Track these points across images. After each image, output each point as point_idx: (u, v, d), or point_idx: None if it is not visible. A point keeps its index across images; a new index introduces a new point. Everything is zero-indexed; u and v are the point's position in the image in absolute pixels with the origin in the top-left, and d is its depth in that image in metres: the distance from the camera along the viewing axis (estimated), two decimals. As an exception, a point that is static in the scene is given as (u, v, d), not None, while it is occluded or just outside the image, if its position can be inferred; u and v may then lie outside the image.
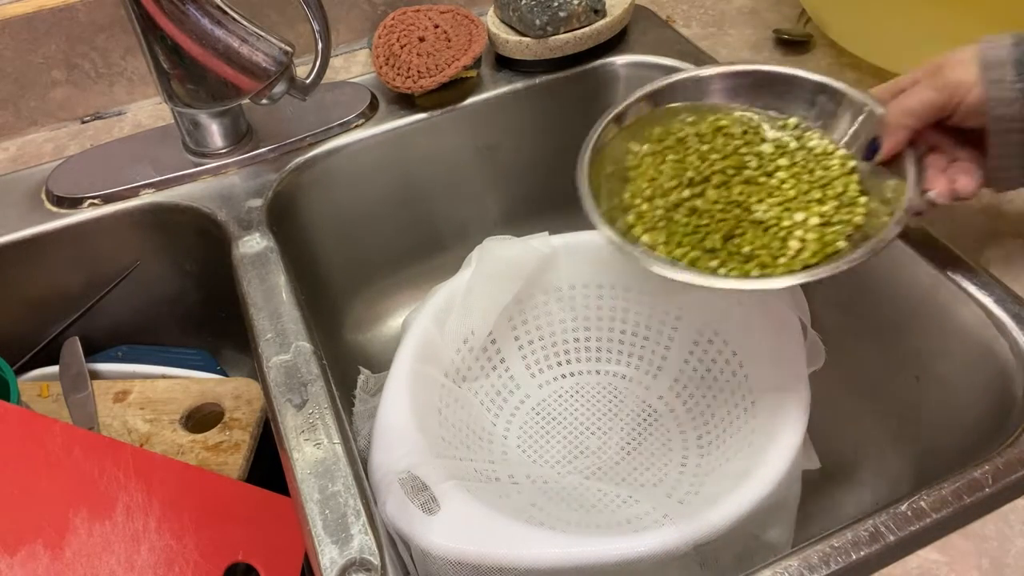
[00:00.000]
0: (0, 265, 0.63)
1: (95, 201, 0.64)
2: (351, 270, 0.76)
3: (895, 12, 0.62)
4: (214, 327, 0.74)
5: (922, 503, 0.40)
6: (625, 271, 0.63)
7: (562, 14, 0.69)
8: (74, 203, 0.64)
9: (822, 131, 0.52)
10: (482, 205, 0.78)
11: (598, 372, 0.66)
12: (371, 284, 0.78)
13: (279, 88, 0.62)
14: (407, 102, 0.70)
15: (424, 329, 0.57)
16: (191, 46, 0.57)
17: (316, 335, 0.53)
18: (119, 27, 0.70)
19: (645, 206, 0.52)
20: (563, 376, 0.66)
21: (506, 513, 0.45)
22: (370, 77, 0.73)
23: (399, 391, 0.53)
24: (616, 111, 0.55)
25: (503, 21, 0.72)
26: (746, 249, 0.47)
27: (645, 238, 0.50)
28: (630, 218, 0.51)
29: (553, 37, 0.70)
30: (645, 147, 0.55)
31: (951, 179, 0.46)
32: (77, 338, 0.66)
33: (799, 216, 0.48)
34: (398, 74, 0.68)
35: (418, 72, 0.67)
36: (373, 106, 0.70)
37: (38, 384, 0.64)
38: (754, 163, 0.51)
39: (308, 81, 0.64)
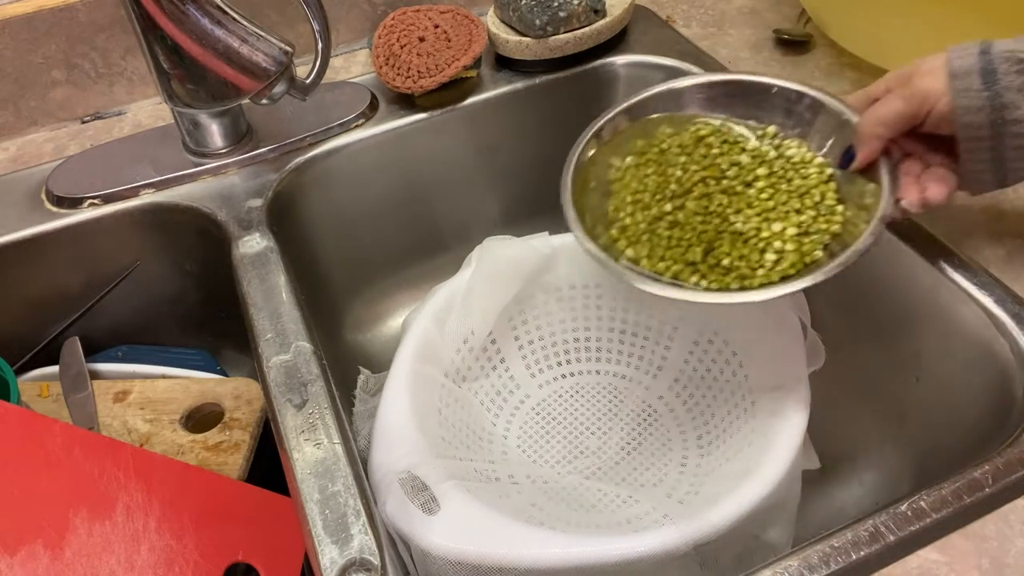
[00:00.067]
0: (0, 265, 0.63)
1: (95, 201, 0.64)
2: (351, 270, 0.76)
3: (895, 12, 0.62)
4: (214, 327, 0.74)
5: (922, 503, 0.40)
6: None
7: (562, 14, 0.69)
8: (74, 203, 0.64)
9: (800, 139, 0.53)
10: (482, 205, 0.78)
11: (598, 372, 0.66)
12: (371, 284, 0.78)
13: (279, 88, 0.62)
14: (407, 102, 0.70)
15: (424, 329, 0.57)
16: (191, 46, 0.57)
17: (316, 335, 0.53)
18: (119, 27, 0.70)
19: (628, 220, 0.52)
20: (563, 376, 0.66)
21: (506, 513, 0.45)
22: (370, 77, 0.73)
23: (399, 391, 0.53)
24: (596, 127, 0.55)
25: (503, 21, 0.72)
26: (725, 261, 0.48)
27: (629, 252, 0.50)
28: (614, 232, 0.52)
29: (553, 37, 0.70)
30: (628, 160, 0.55)
31: (922, 187, 0.47)
32: (77, 338, 0.66)
33: (777, 226, 0.48)
34: (398, 74, 0.68)
35: (418, 72, 0.67)
36: (373, 106, 0.70)
37: (38, 384, 0.64)
38: (733, 173, 0.52)
39: (308, 81, 0.64)
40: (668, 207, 0.51)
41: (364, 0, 0.77)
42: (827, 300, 0.57)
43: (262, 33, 0.60)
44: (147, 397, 0.62)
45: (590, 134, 0.55)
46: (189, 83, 0.59)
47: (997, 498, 0.41)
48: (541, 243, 0.62)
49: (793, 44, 0.74)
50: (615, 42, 0.74)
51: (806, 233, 0.48)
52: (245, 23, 0.59)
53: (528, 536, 0.43)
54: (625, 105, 0.56)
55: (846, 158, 0.49)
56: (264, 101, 0.62)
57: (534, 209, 0.73)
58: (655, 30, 0.76)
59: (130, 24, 0.57)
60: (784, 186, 0.50)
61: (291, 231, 0.64)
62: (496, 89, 0.71)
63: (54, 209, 0.64)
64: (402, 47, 0.68)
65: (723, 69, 0.70)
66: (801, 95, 0.53)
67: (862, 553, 0.39)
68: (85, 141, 0.71)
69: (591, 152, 0.55)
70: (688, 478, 0.57)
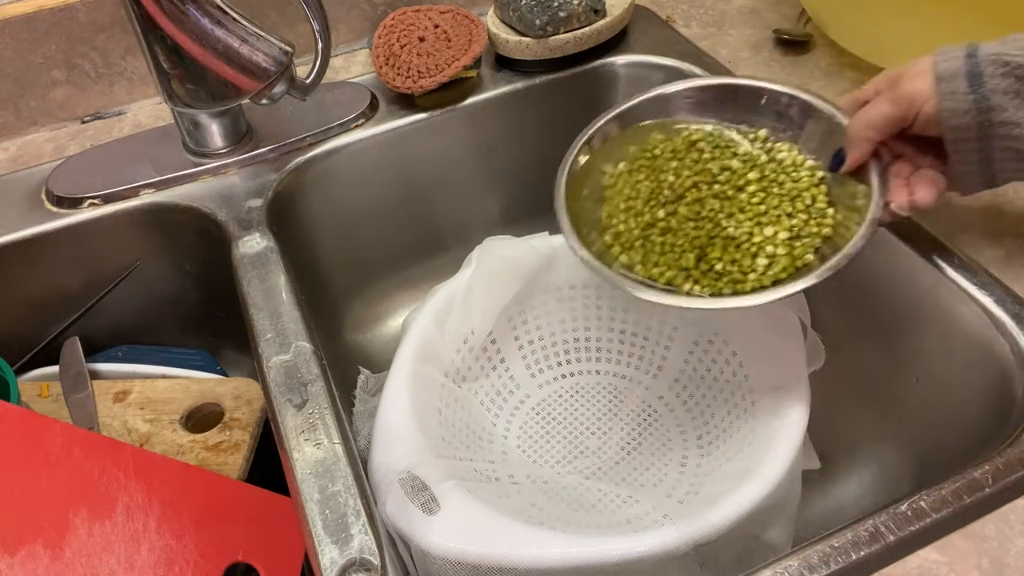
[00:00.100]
0: (0, 265, 0.63)
1: (95, 201, 0.64)
2: (351, 270, 0.76)
3: (895, 12, 0.62)
4: (214, 327, 0.74)
5: (922, 503, 0.40)
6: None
7: (562, 14, 0.69)
8: (74, 203, 0.64)
9: (791, 143, 0.53)
10: (482, 205, 0.78)
11: (598, 372, 0.66)
12: (371, 284, 0.78)
13: (279, 88, 0.62)
14: (407, 102, 0.70)
15: (424, 329, 0.57)
16: (191, 46, 0.57)
17: (316, 335, 0.53)
18: (119, 27, 0.70)
19: (622, 226, 0.52)
20: (563, 376, 0.66)
21: (506, 513, 0.45)
22: (370, 77, 0.73)
23: (399, 391, 0.53)
24: (588, 134, 0.56)
25: (503, 21, 0.72)
26: (718, 267, 0.48)
27: (623, 258, 0.51)
28: (607, 238, 0.52)
29: (553, 37, 0.70)
30: (620, 166, 0.55)
31: (911, 191, 0.47)
32: (77, 338, 0.66)
33: (769, 231, 0.49)
34: (398, 74, 0.68)
35: (418, 72, 0.67)
36: (373, 106, 0.70)
37: (38, 384, 0.64)
38: (725, 178, 0.52)
39: (308, 81, 0.64)
40: (661, 213, 0.51)
41: (364, 0, 0.77)
42: (827, 300, 0.57)
43: (262, 33, 0.60)
44: (147, 397, 0.62)
45: (582, 141, 0.55)
46: (189, 83, 0.59)
47: (997, 498, 0.41)
48: (541, 243, 0.62)
49: (793, 44, 0.74)
50: (615, 42, 0.74)
51: (797, 237, 0.48)
52: (245, 23, 0.59)
53: (528, 536, 0.43)
54: (616, 111, 0.56)
55: (836, 161, 0.49)
56: (264, 101, 0.62)
57: (534, 209, 0.73)
58: (655, 30, 0.76)
59: (130, 24, 0.57)
60: (775, 190, 0.50)
61: (291, 231, 0.64)
62: (496, 89, 0.71)
63: (54, 209, 0.64)
64: (402, 47, 0.68)
65: (723, 69, 0.70)
66: (792, 98, 0.53)
67: (862, 553, 0.39)
68: (85, 141, 0.71)
69: (584, 159, 0.55)
70: (688, 478, 0.57)
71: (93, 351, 0.68)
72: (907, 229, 0.54)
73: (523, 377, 0.65)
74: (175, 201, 0.64)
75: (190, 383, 0.63)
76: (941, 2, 0.59)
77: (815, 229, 0.48)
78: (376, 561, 0.41)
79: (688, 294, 0.48)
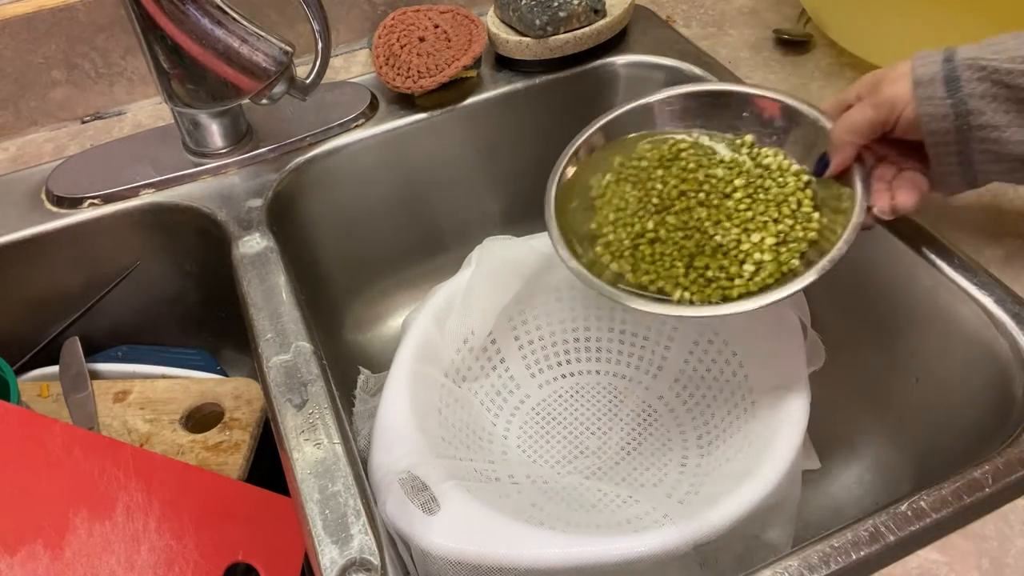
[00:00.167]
0: (0, 265, 0.63)
1: (95, 201, 0.64)
2: (351, 270, 0.76)
3: (895, 12, 0.63)
4: (214, 327, 0.74)
5: (922, 503, 0.40)
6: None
7: (562, 14, 0.69)
8: (74, 203, 0.64)
9: (777, 148, 0.53)
10: (482, 205, 0.78)
11: (598, 372, 0.66)
12: (371, 284, 0.78)
13: (279, 88, 0.62)
14: (407, 102, 0.70)
15: (424, 329, 0.57)
16: (191, 46, 0.57)
17: (316, 335, 0.53)
18: (119, 27, 0.70)
19: (612, 236, 0.53)
20: (563, 376, 0.66)
21: (506, 513, 0.45)
22: (370, 77, 0.73)
23: (399, 391, 0.53)
24: (576, 145, 0.56)
25: (503, 21, 0.72)
26: (708, 274, 0.49)
27: (613, 266, 0.51)
28: (598, 248, 0.53)
29: (553, 37, 0.70)
30: (607, 177, 0.55)
31: (893, 195, 0.47)
32: (77, 338, 0.66)
33: (756, 237, 0.49)
34: (398, 74, 0.68)
35: (418, 72, 0.67)
36: (373, 106, 0.70)
37: (38, 384, 0.64)
38: (711, 186, 0.52)
39: (308, 81, 0.64)
40: (650, 224, 0.52)
41: (364, 0, 0.77)
42: (827, 300, 0.57)
43: (262, 33, 0.60)
44: (147, 397, 0.62)
45: (570, 152, 0.56)
46: (189, 83, 0.59)
47: (997, 498, 0.41)
48: (541, 243, 0.62)
49: (793, 44, 0.74)
50: (615, 42, 0.74)
51: (784, 242, 0.49)
52: (245, 23, 0.59)
53: (528, 536, 0.43)
54: (601, 123, 0.57)
55: (821, 165, 0.50)
56: (264, 101, 0.62)
57: (534, 209, 0.73)
58: (655, 30, 0.76)
59: (130, 24, 0.57)
60: (762, 195, 0.51)
61: (291, 231, 0.64)
62: (496, 89, 0.71)
63: (54, 209, 0.64)
64: (402, 47, 0.68)
65: (723, 69, 0.70)
66: (776, 103, 0.53)
67: (862, 553, 0.39)
68: (85, 141, 0.71)
69: (571, 170, 0.56)
70: (688, 478, 0.57)
71: (93, 351, 0.68)
72: (907, 229, 0.54)
73: (523, 377, 0.65)
74: (175, 201, 0.64)
75: (190, 383, 0.63)
76: (941, 2, 0.59)
77: (801, 233, 0.49)
78: (376, 561, 0.41)
79: (678, 302, 0.49)
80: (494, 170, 0.76)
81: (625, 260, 0.51)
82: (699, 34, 0.76)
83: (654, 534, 0.43)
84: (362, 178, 0.70)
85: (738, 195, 0.51)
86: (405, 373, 0.54)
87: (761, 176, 0.52)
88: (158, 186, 0.64)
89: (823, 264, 0.46)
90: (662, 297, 0.49)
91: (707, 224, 0.51)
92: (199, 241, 0.65)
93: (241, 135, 0.66)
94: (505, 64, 0.73)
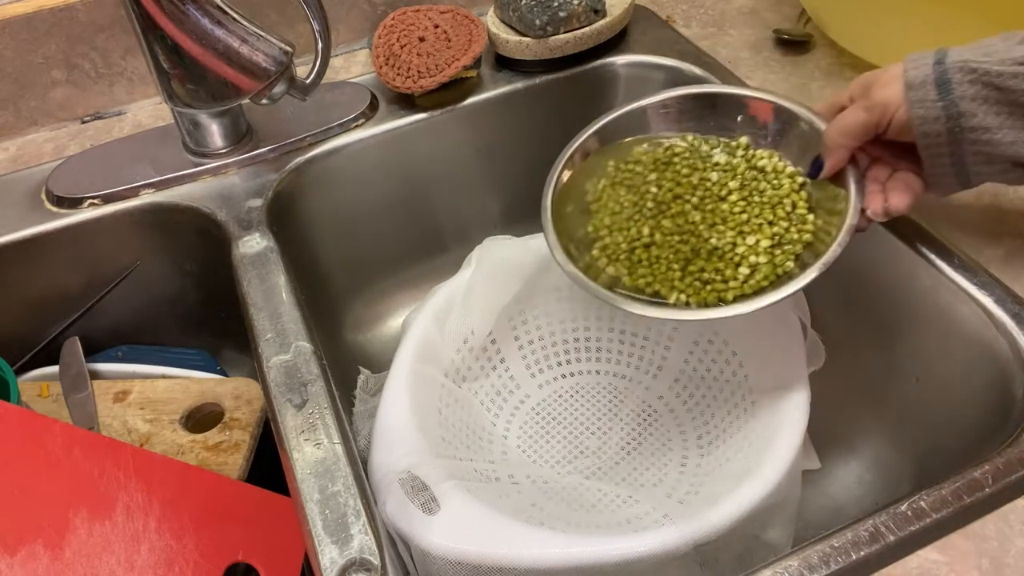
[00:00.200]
0: (0, 265, 0.63)
1: (95, 201, 0.64)
2: (351, 270, 0.76)
3: (895, 12, 0.62)
4: (214, 327, 0.74)
5: (922, 503, 0.40)
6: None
7: (562, 14, 0.69)
8: (74, 203, 0.64)
9: (771, 149, 0.53)
10: (482, 205, 0.78)
11: (598, 372, 0.66)
12: (371, 284, 0.78)
13: (279, 88, 0.62)
14: (407, 102, 0.70)
15: (424, 329, 0.57)
16: (191, 46, 0.57)
17: (316, 335, 0.53)
18: (119, 27, 0.70)
19: (608, 239, 0.53)
20: (563, 376, 0.66)
21: (506, 513, 0.45)
22: (370, 77, 0.73)
23: (399, 391, 0.53)
24: (571, 150, 0.56)
25: (503, 21, 0.72)
26: (703, 276, 0.49)
27: (610, 270, 0.52)
28: (595, 252, 0.53)
29: (553, 37, 0.70)
30: (603, 181, 0.55)
31: (886, 197, 0.48)
32: (77, 338, 0.66)
33: (751, 240, 0.49)
34: (398, 74, 0.68)
35: (418, 72, 0.67)
36: (373, 106, 0.70)
37: (38, 384, 0.64)
38: (705, 188, 0.52)
39: (308, 81, 0.64)
40: (646, 230, 0.52)
41: (364, 0, 0.77)
42: (827, 300, 0.57)
43: (262, 33, 0.60)
44: (147, 397, 0.62)
45: (566, 157, 0.56)
46: (189, 83, 0.59)
47: (997, 498, 0.41)
48: (541, 243, 0.61)
49: (793, 44, 0.74)
50: (615, 42, 0.74)
51: (779, 244, 0.49)
52: (245, 23, 0.59)
53: (528, 536, 0.43)
54: (596, 127, 0.57)
55: (815, 168, 0.50)
56: (264, 101, 0.62)
57: (534, 209, 0.73)
58: (655, 30, 0.76)
59: (130, 24, 0.57)
60: (756, 198, 0.51)
61: (291, 231, 0.64)
62: (496, 89, 0.71)
63: (54, 209, 0.64)
64: (402, 47, 0.68)
65: (723, 69, 0.70)
66: (770, 105, 0.53)
67: (862, 553, 0.39)
68: (85, 141, 0.71)
69: (567, 174, 0.56)
70: (688, 478, 0.57)
71: (93, 351, 0.68)
72: (907, 229, 0.54)
73: (523, 377, 0.65)
74: (175, 201, 0.64)
75: (190, 383, 0.63)
76: (941, 2, 0.59)
77: (796, 236, 0.49)
78: (376, 561, 0.41)
79: (675, 305, 0.49)
80: (494, 170, 0.76)
81: (621, 263, 0.52)
82: (699, 34, 0.76)
83: (654, 534, 0.43)
84: (362, 178, 0.70)
85: (733, 198, 0.51)
86: (405, 373, 0.54)
87: (756, 179, 0.52)
88: (158, 186, 0.64)
89: (817, 267, 0.46)
90: (658, 301, 0.49)
91: (702, 227, 0.51)
92: (199, 241, 0.65)
93: (241, 135, 0.66)
94: (505, 64, 0.73)
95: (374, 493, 0.47)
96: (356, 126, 0.68)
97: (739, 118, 0.55)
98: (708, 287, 0.49)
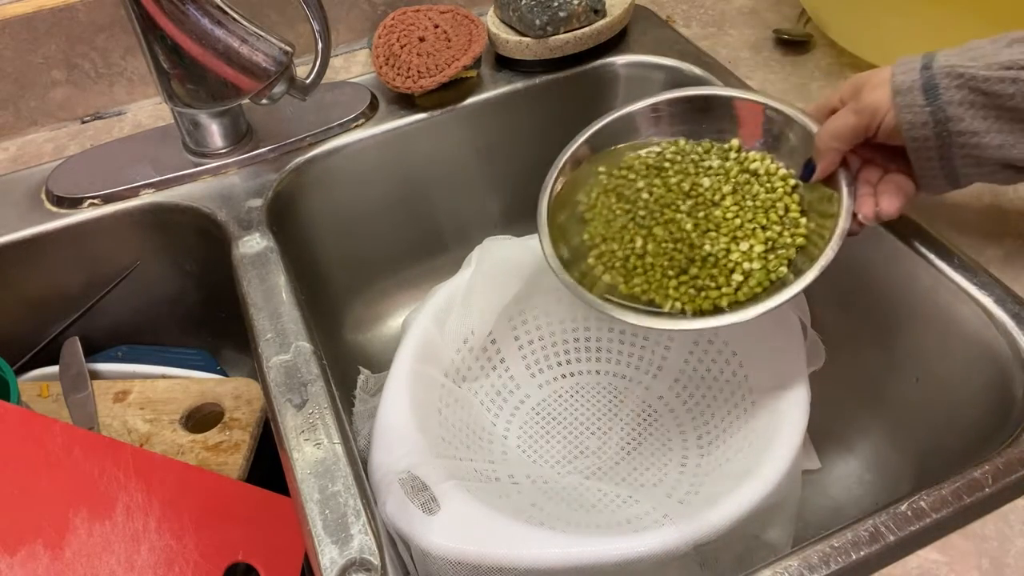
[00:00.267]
0: (0, 265, 0.63)
1: (95, 201, 0.64)
2: (351, 270, 0.76)
3: (895, 12, 0.62)
4: (214, 327, 0.74)
5: (922, 503, 0.40)
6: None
7: (562, 14, 0.69)
8: (74, 203, 0.64)
9: (764, 152, 0.53)
10: (482, 205, 0.78)
11: (598, 372, 0.66)
12: (371, 284, 0.78)
13: (279, 88, 0.62)
14: (407, 102, 0.70)
15: (424, 329, 0.57)
16: (191, 46, 0.57)
17: (316, 335, 0.53)
18: (119, 27, 0.70)
19: (603, 247, 0.53)
20: (563, 376, 0.66)
21: (506, 513, 0.45)
22: (370, 77, 0.73)
23: (399, 391, 0.53)
24: (564, 159, 0.56)
25: (503, 21, 0.72)
26: (697, 283, 0.49)
27: (606, 278, 0.52)
28: (591, 260, 0.53)
29: (553, 37, 0.70)
30: (596, 189, 0.56)
31: (877, 200, 0.48)
32: (77, 338, 0.66)
33: (744, 245, 0.50)
34: (398, 74, 0.68)
35: (418, 72, 0.67)
36: (373, 106, 0.70)
37: (38, 384, 0.64)
38: (697, 193, 0.53)
39: (308, 81, 0.64)
40: (639, 240, 0.52)
41: (364, 0, 0.77)
42: (827, 300, 0.57)
43: (262, 33, 0.60)
44: (147, 397, 0.62)
45: (560, 164, 0.56)
46: (189, 83, 0.59)
47: (997, 498, 0.41)
48: (541, 243, 0.62)
49: (793, 44, 0.74)
50: (615, 42, 0.74)
51: (772, 249, 0.49)
52: (245, 23, 0.59)
53: (528, 536, 0.43)
54: (587, 134, 0.57)
55: (807, 171, 0.50)
56: (264, 101, 0.62)
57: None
58: (655, 30, 0.76)
59: (130, 24, 0.57)
60: (749, 202, 0.51)
61: (291, 231, 0.64)
62: (496, 89, 0.71)
63: (54, 209, 0.64)
64: (402, 47, 0.68)
65: (723, 69, 0.70)
66: (761, 107, 0.53)
67: (862, 553, 0.39)
68: (85, 141, 0.71)
69: (561, 184, 0.56)
70: (688, 478, 0.57)
71: (93, 351, 0.68)
72: (907, 229, 0.54)
73: (523, 377, 0.65)
74: (175, 201, 0.64)
75: (190, 383, 0.63)
76: (941, 2, 0.59)
77: (789, 240, 0.49)
78: (376, 561, 0.41)
79: (669, 313, 0.49)
80: (494, 170, 0.76)
81: (617, 272, 0.52)
82: (699, 34, 0.76)
83: (654, 534, 0.43)
84: (362, 178, 0.70)
85: (726, 203, 0.52)
86: (405, 373, 0.54)
87: (748, 182, 0.52)
88: (158, 186, 0.64)
89: (811, 273, 0.46)
90: (654, 309, 0.50)
91: (694, 235, 0.51)
92: (199, 241, 0.65)
93: (241, 135, 0.66)
94: (505, 64, 0.73)
95: (374, 493, 0.47)
96: (356, 126, 0.68)
97: (730, 121, 0.55)
98: (702, 294, 0.49)
